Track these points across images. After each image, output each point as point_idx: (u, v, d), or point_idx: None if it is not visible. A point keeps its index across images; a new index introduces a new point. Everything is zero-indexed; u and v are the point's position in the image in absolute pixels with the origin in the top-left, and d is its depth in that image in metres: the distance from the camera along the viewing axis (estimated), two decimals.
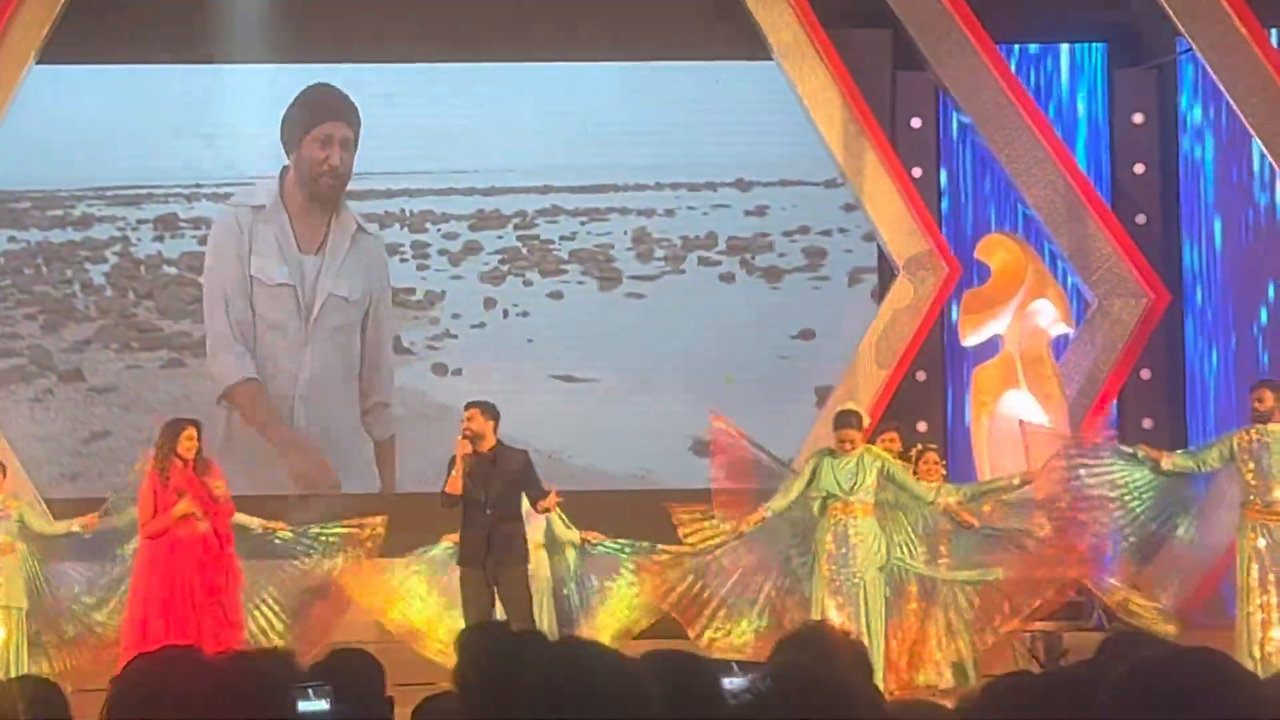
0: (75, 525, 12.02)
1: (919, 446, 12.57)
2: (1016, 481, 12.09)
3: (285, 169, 15.27)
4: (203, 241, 15.31)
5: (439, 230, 15.52)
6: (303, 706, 4.09)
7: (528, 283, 15.51)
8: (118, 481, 13.15)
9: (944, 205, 15.75)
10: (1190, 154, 15.65)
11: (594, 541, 12.43)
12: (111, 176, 15.28)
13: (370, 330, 15.31)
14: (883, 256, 15.48)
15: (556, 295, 15.50)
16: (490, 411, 11.55)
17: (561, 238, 15.57)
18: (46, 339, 15.12)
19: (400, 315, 15.40)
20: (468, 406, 11.63)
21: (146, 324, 15.21)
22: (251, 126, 15.21)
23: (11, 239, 15.24)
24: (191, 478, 11.34)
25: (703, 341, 15.38)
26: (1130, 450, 12.00)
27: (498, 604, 11.23)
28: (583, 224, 15.58)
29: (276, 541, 12.18)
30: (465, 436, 11.38)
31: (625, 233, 15.60)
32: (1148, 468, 11.73)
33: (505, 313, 15.47)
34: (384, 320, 15.35)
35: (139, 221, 15.27)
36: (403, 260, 15.47)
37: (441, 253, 15.51)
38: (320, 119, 15.27)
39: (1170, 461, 11.75)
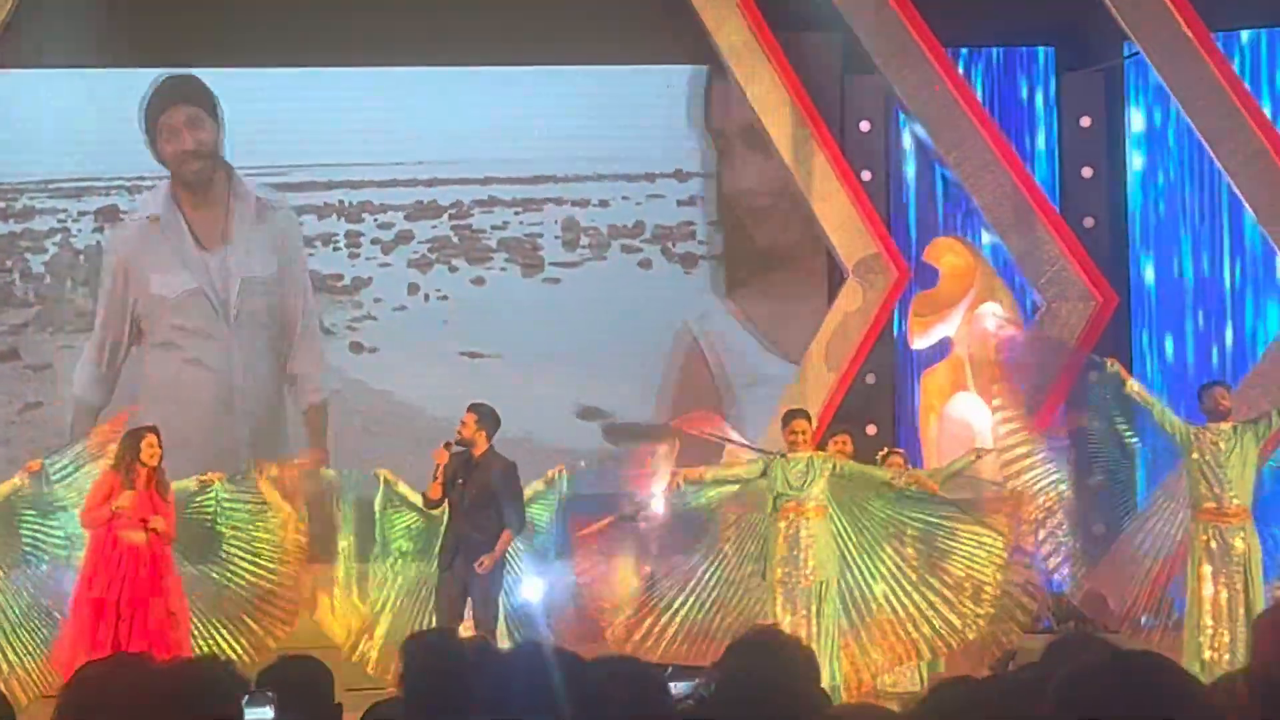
0: (17, 479, 11.80)
1: (885, 450, 12.58)
2: (973, 457, 12.07)
3: (171, 175, 15.45)
4: None
5: (375, 220, 15.70)
6: (249, 714, 4.09)
7: (453, 269, 15.74)
8: (48, 446, 13.12)
9: (893, 208, 15.78)
10: (1136, 156, 15.74)
11: (559, 474, 12.24)
12: (53, 170, 15.42)
13: (290, 300, 15.41)
14: (830, 259, 15.52)
15: (479, 281, 15.73)
16: (485, 418, 11.44)
17: (493, 227, 15.78)
18: None
19: (325, 300, 15.55)
20: (468, 409, 11.55)
21: (83, 309, 15.45)
22: None
23: None
24: (153, 495, 11.31)
25: (604, 322, 15.65)
26: (1100, 361, 11.96)
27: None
28: (516, 214, 15.74)
29: (207, 506, 11.97)
30: (454, 441, 11.35)
31: (556, 222, 15.79)
32: (1113, 385, 11.72)
33: (426, 297, 15.72)
34: (301, 288, 15.47)
35: (80, 213, 15.47)
36: (335, 249, 15.62)
37: (374, 242, 15.71)
38: (155, 115, 15.37)
39: (1136, 388, 11.75)
